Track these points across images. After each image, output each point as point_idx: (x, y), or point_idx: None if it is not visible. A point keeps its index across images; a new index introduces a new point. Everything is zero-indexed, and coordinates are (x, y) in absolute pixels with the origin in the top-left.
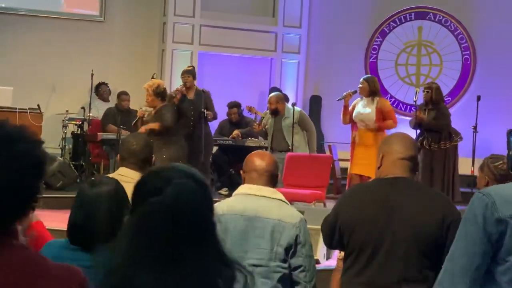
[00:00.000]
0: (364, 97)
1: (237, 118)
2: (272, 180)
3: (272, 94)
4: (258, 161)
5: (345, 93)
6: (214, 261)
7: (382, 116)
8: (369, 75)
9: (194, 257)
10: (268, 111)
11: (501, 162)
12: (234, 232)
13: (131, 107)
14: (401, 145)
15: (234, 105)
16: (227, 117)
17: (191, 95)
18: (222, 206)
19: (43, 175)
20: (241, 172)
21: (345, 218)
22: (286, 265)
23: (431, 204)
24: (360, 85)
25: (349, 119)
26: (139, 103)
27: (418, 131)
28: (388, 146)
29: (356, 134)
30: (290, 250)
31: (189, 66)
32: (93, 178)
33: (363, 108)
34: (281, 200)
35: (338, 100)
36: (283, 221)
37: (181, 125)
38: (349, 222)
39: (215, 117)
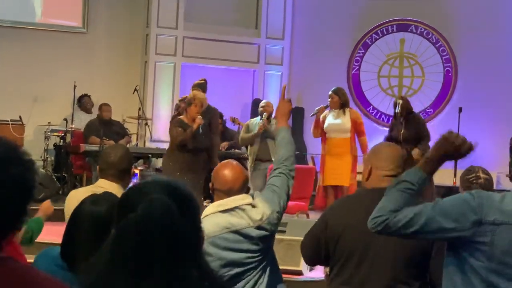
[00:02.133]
0: (333, 109)
1: (221, 129)
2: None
3: (265, 101)
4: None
5: (317, 108)
6: (192, 279)
7: (355, 126)
8: (337, 87)
9: (168, 274)
10: (261, 118)
11: (474, 175)
12: None
13: (113, 118)
14: (390, 162)
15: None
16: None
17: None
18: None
19: (33, 197)
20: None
21: (332, 227)
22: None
23: None
24: (331, 99)
25: (320, 132)
26: (121, 114)
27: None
28: (377, 159)
29: (326, 145)
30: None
31: (201, 79)
32: (95, 195)
33: (334, 119)
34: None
35: (311, 115)
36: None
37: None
38: (336, 230)
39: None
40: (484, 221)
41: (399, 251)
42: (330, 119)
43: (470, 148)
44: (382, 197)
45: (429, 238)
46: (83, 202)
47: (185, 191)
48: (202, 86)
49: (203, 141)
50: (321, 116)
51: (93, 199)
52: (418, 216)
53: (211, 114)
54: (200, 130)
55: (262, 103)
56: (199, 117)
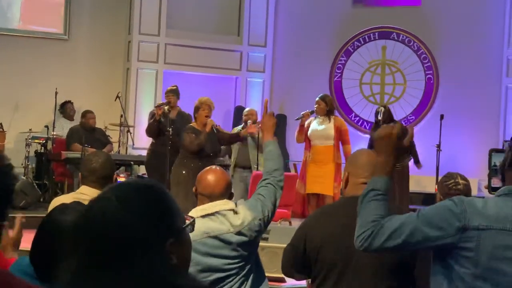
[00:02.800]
0: (319, 116)
1: None
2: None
3: (249, 108)
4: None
5: (303, 113)
6: (139, 284)
7: (340, 134)
8: (324, 94)
9: (112, 280)
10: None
11: (452, 181)
12: None
13: (96, 125)
14: (366, 169)
15: None
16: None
17: (173, 115)
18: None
19: (12, 202)
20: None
21: (312, 238)
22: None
23: None
24: (317, 105)
25: (303, 138)
26: (103, 121)
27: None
28: (354, 167)
29: (309, 152)
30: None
31: (172, 86)
32: (65, 204)
33: (318, 125)
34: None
35: (296, 119)
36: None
37: (159, 142)
38: (316, 241)
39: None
40: (468, 227)
41: (381, 263)
42: (314, 126)
43: (404, 131)
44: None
45: (415, 249)
46: (52, 211)
47: (155, 193)
48: (176, 92)
49: (217, 145)
50: (306, 122)
51: (62, 207)
52: (402, 227)
53: (184, 120)
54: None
55: (245, 111)
56: (210, 119)
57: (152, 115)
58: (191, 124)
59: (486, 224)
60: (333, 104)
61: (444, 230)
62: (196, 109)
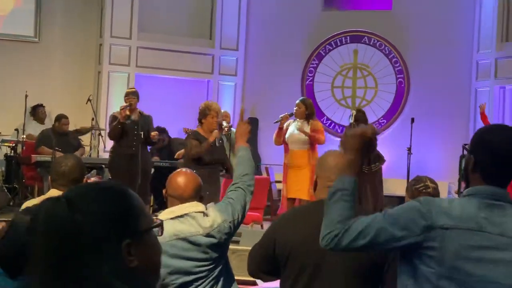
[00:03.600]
0: (298, 119)
1: (160, 144)
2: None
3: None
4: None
5: (282, 115)
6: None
7: (312, 136)
8: (305, 98)
9: (54, 278)
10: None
11: (422, 184)
12: None
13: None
14: (333, 172)
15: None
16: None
17: (134, 117)
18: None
19: None
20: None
21: (282, 241)
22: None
23: None
24: (297, 108)
25: (282, 140)
26: (75, 125)
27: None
28: (322, 170)
29: (288, 156)
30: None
31: (131, 88)
32: (28, 208)
33: (296, 129)
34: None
35: (275, 122)
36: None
37: (124, 144)
38: (286, 245)
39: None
40: (433, 226)
41: (351, 266)
42: (292, 129)
43: (374, 133)
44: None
45: (382, 249)
46: (16, 214)
47: (107, 194)
48: (137, 94)
49: (219, 153)
50: (285, 125)
51: (25, 210)
52: (368, 227)
53: (147, 122)
54: (217, 143)
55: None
56: (216, 130)
57: (113, 118)
58: (196, 129)
59: (451, 223)
60: (313, 109)
61: (409, 229)
62: (203, 114)
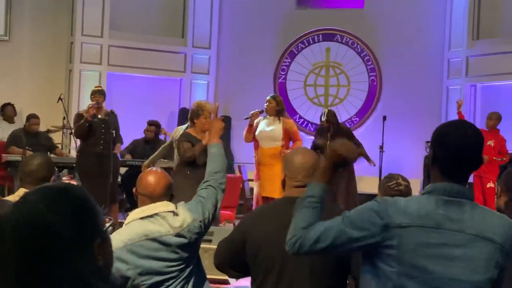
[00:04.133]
0: (268, 116)
1: (150, 136)
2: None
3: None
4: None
5: (252, 112)
6: (65, 283)
7: (289, 136)
8: (275, 94)
9: (34, 279)
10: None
11: (394, 182)
12: None
13: (39, 129)
14: (299, 172)
15: (152, 123)
16: (143, 136)
17: (102, 115)
18: None
19: None
20: None
21: (250, 239)
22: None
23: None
24: (268, 104)
25: (252, 137)
26: (46, 124)
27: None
28: (289, 170)
29: (258, 154)
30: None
31: (97, 86)
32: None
33: (267, 126)
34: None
35: (245, 118)
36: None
37: (91, 143)
38: (254, 243)
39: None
40: (390, 225)
41: (317, 261)
42: (262, 126)
43: (355, 157)
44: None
45: (342, 251)
46: None
47: (75, 194)
48: (103, 93)
49: (201, 156)
50: (255, 122)
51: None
52: (327, 231)
53: (114, 119)
54: None
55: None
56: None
57: (78, 116)
58: (188, 131)
59: (408, 221)
60: (283, 105)
61: (367, 230)
62: (195, 114)
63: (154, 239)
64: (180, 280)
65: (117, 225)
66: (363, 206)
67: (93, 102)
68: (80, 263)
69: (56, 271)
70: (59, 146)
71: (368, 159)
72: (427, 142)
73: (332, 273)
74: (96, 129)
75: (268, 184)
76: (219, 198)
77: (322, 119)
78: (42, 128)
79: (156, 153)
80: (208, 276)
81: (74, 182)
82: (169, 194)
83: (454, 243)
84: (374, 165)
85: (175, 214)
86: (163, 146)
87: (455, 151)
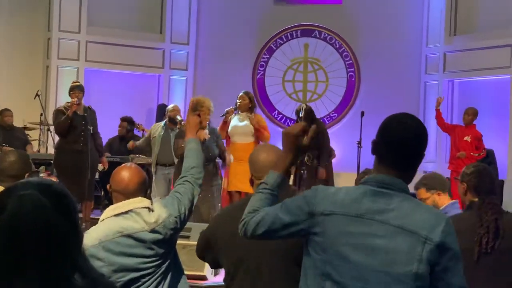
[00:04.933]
0: (240, 112)
1: (123, 132)
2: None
3: (173, 104)
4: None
5: (227, 109)
6: (65, 276)
7: (258, 129)
8: (247, 91)
9: (42, 273)
10: (176, 122)
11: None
12: None
13: (14, 124)
14: (264, 172)
15: (124, 119)
16: (117, 134)
17: (80, 111)
18: None
19: None
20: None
21: (217, 238)
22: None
23: None
24: (241, 100)
25: (225, 135)
26: (23, 120)
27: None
28: (254, 169)
29: (230, 149)
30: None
31: (75, 82)
32: None
33: (239, 122)
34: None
35: (221, 116)
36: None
37: (71, 140)
38: (221, 241)
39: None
40: (315, 212)
41: (284, 254)
42: (235, 122)
43: (302, 130)
44: None
45: (279, 236)
46: None
47: (59, 189)
48: (82, 88)
49: (209, 152)
50: (229, 118)
51: None
52: (266, 216)
53: (93, 115)
54: (206, 137)
55: (170, 108)
56: (206, 131)
57: (57, 112)
58: (184, 128)
59: (331, 209)
60: (255, 101)
61: (297, 215)
62: (194, 110)
63: (129, 236)
64: (156, 276)
65: (90, 223)
66: (301, 193)
67: (75, 99)
68: (78, 258)
69: (55, 267)
70: (36, 142)
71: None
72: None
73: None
74: (76, 125)
75: (238, 179)
76: (196, 193)
77: (300, 115)
78: (19, 124)
79: (140, 141)
80: (186, 272)
81: (53, 179)
82: (143, 190)
83: (376, 234)
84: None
85: (150, 210)
86: (145, 137)
87: (393, 141)
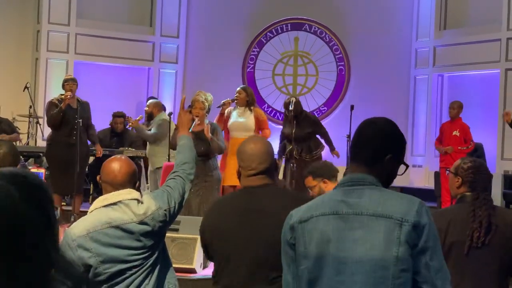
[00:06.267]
0: (239, 107)
1: (122, 129)
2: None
3: (152, 100)
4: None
5: (223, 101)
6: (38, 273)
7: (259, 124)
8: (246, 85)
9: (7, 268)
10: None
11: None
12: None
13: (2, 115)
14: (252, 161)
15: (121, 115)
16: (109, 127)
17: (74, 104)
18: None
19: None
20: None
21: (207, 231)
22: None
23: (293, 205)
24: (238, 94)
25: (223, 126)
26: (11, 112)
27: (283, 140)
28: (241, 160)
29: (229, 144)
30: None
31: (68, 75)
32: None
33: (238, 116)
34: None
35: (217, 107)
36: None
37: (63, 133)
38: (210, 234)
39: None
40: (293, 224)
41: (274, 247)
42: (235, 117)
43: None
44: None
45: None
46: None
47: (34, 181)
48: (76, 81)
49: (197, 146)
50: (226, 111)
51: None
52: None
53: (86, 109)
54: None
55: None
56: (206, 126)
57: (50, 105)
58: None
59: (308, 215)
60: (253, 96)
61: (287, 248)
62: (191, 106)
63: (117, 227)
64: (144, 269)
65: (78, 215)
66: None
67: (69, 92)
68: (49, 253)
69: (26, 263)
70: (25, 135)
71: (331, 148)
72: (347, 135)
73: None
74: (69, 119)
75: (235, 174)
76: (187, 188)
77: (290, 107)
78: (8, 116)
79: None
80: (175, 265)
81: (42, 171)
82: (132, 181)
83: (352, 226)
84: (338, 156)
85: (139, 202)
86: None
87: (359, 139)
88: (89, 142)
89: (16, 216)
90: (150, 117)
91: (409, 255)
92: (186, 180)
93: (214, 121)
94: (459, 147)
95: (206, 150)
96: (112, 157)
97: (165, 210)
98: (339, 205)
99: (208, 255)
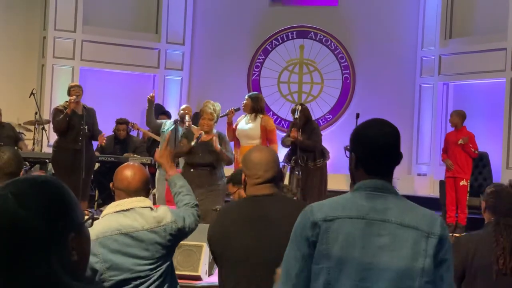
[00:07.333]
0: (247, 114)
1: (124, 135)
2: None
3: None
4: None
5: (228, 110)
6: (34, 276)
7: (266, 134)
8: (254, 93)
9: (4, 270)
10: (184, 121)
11: None
12: None
13: (9, 121)
14: (258, 169)
15: (124, 122)
16: (112, 133)
17: (79, 110)
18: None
19: None
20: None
21: (214, 241)
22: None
23: (298, 214)
24: (244, 102)
25: (232, 136)
26: (17, 118)
27: (288, 149)
28: (247, 168)
29: (239, 151)
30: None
31: (74, 83)
32: None
33: (245, 124)
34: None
35: (221, 116)
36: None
37: (69, 139)
38: (217, 241)
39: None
40: (317, 221)
41: (276, 256)
42: (242, 125)
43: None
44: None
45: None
46: None
47: (49, 187)
48: (82, 88)
49: (204, 156)
50: (236, 121)
51: None
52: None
53: (91, 115)
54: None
55: (183, 106)
56: (201, 131)
57: (56, 111)
58: (193, 127)
59: (333, 215)
60: (260, 103)
61: (304, 239)
62: (199, 114)
63: (127, 234)
64: (150, 282)
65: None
66: (291, 236)
67: (73, 96)
68: (52, 258)
69: (29, 269)
70: (31, 141)
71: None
72: (346, 146)
73: None
74: (75, 124)
75: None
76: (196, 223)
77: (296, 115)
78: (14, 122)
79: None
80: (180, 272)
81: None
82: (145, 189)
83: (379, 233)
84: (294, 138)
85: (153, 210)
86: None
87: (376, 149)
88: (94, 148)
89: (14, 224)
90: (182, 119)
91: (434, 267)
92: (193, 210)
93: (226, 131)
94: (470, 144)
95: (214, 161)
96: (125, 164)
97: (179, 227)
98: (366, 209)
99: (217, 262)
